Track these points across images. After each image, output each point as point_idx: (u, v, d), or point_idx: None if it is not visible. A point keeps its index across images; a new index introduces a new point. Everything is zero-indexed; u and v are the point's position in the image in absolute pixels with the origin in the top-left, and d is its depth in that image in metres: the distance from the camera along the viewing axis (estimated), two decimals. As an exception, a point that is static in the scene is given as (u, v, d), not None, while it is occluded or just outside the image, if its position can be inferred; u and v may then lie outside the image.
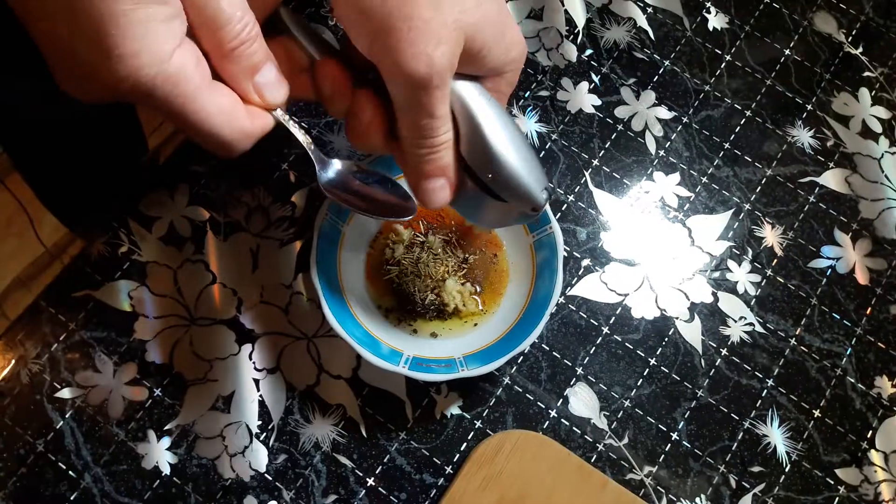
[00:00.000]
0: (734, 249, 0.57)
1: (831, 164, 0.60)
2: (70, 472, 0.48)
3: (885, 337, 0.56)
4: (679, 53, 0.62)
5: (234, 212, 0.54)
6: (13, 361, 0.50)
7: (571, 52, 0.62)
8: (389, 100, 0.38)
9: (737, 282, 0.56)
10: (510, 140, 0.39)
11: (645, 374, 0.54)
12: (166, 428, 0.50)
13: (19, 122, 0.51)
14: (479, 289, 0.53)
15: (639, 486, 0.51)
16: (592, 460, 0.51)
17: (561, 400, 0.53)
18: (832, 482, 0.52)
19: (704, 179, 0.59)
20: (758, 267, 0.57)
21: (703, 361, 0.54)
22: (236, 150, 0.36)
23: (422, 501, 0.50)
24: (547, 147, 0.58)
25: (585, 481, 0.50)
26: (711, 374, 0.54)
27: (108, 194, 0.57)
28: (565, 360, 0.53)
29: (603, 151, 0.59)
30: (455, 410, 0.52)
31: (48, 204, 0.59)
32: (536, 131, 0.59)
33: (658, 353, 0.54)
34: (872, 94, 0.63)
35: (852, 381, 0.55)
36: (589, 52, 0.62)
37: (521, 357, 0.53)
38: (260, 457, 0.50)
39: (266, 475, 0.49)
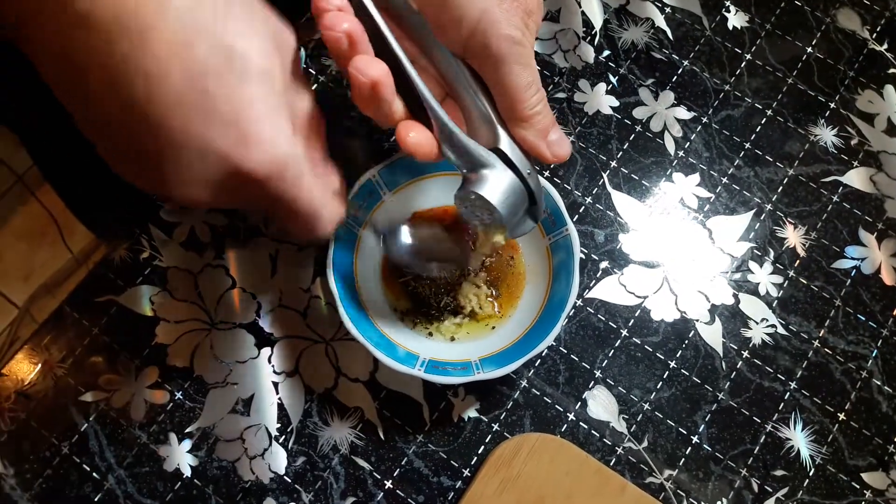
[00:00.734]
0: (755, 250, 0.57)
1: (855, 163, 0.59)
2: (94, 474, 0.49)
3: (913, 338, 0.55)
4: (698, 53, 0.62)
5: (253, 217, 0.55)
6: (39, 366, 0.51)
7: (589, 53, 0.61)
8: None
9: (758, 283, 0.56)
10: None
11: (665, 376, 0.53)
12: (187, 431, 0.50)
13: (47, 131, 0.52)
14: (495, 292, 0.53)
15: (658, 490, 0.51)
16: (611, 464, 0.51)
17: (579, 403, 0.52)
18: (858, 486, 0.51)
19: (725, 180, 0.58)
20: (780, 268, 0.56)
21: (724, 364, 0.54)
22: (328, 231, 0.39)
23: (439, 504, 0.50)
24: (564, 149, 0.58)
25: (604, 485, 0.49)
26: (733, 376, 0.53)
27: (132, 199, 0.58)
28: (583, 363, 0.53)
29: (621, 153, 0.59)
30: (472, 413, 0.52)
31: (75, 210, 0.60)
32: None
33: (678, 355, 0.54)
34: (898, 91, 0.62)
35: (878, 383, 0.54)
36: (606, 53, 0.61)
37: (539, 360, 0.53)
38: (279, 459, 0.50)
39: (285, 477, 0.50)
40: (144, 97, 0.30)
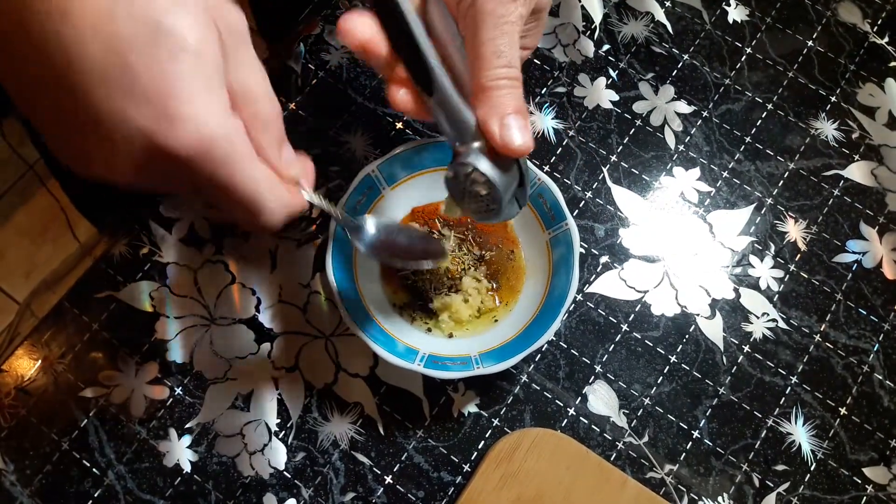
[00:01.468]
0: (756, 245, 0.56)
1: (856, 157, 0.59)
2: (94, 470, 0.49)
3: (914, 332, 0.55)
4: (698, 47, 0.62)
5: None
6: (39, 362, 0.51)
7: (588, 47, 0.61)
8: None
9: (759, 277, 0.55)
10: None
11: (665, 371, 0.53)
12: (187, 426, 0.50)
13: None
14: (495, 285, 0.53)
15: (659, 485, 0.50)
16: (612, 459, 0.51)
17: (579, 398, 0.52)
18: (859, 481, 0.51)
19: (725, 174, 0.58)
20: (781, 262, 0.56)
21: (724, 358, 0.53)
22: (273, 222, 0.36)
23: (440, 499, 0.50)
24: (564, 143, 0.58)
25: (605, 480, 0.49)
26: (733, 371, 0.53)
27: (132, 197, 0.58)
28: (584, 358, 0.53)
29: (621, 147, 0.58)
30: (472, 409, 0.52)
31: (78, 204, 0.61)
32: (553, 128, 0.58)
33: (678, 350, 0.53)
34: (899, 84, 0.61)
35: (880, 377, 0.53)
36: (606, 47, 0.61)
37: (539, 355, 0.53)
38: (279, 455, 0.50)
39: (285, 473, 0.50)
40: (65, 67, 0.29)
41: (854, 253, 0.57)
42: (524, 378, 0.52)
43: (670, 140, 0.59)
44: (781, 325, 0.54)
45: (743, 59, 0.61)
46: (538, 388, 0.52)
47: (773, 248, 0.56)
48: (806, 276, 0.56)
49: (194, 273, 0.53)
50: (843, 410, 0.53)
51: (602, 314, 0.54)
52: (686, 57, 0.61)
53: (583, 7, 0.62)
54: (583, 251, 0.55)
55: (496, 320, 0.52)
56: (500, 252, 0.53)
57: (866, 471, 0.51)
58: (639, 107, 0.60)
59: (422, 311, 0.52)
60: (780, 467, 0.51)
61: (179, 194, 0.51)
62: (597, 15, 0.62)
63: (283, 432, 0.50)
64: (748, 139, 0.59)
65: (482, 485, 0.49)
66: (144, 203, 0.55)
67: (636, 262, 0.56)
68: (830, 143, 0.59)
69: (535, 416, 0.52)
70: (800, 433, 0.52)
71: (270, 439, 0.50)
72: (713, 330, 0.54)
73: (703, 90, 0.60)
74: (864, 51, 0.62)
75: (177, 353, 0.52)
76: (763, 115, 0.60)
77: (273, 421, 0.51)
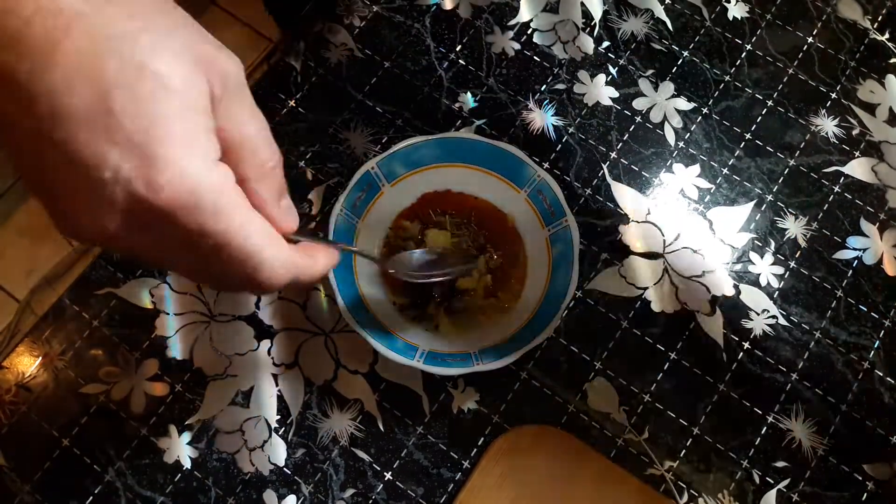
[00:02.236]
0: (756, 241, 0.56)
1: (857, 153, 0.59)
2: (94, 466, 0.49)
3: (915, 329, 0.55)
4: (698, 44, 0.62)
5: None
6: (39, 358, 0.51)
7: (588, 44, 0.61)
8: None
9: (759, 274, 0.55)
10: None
11: (665, 368, 0.53)
12: (187, 423, 0.50)
13: None
14: (490, 278, 0.52)
15: (659, 482, 0.50)
16: (612, 455, 0.51)
17: (579, 394, 0.52)
18: (860, 478, 0.51)
19: (725, 171, 0.58)
20: (781, 259, 0.56)
21: (724, 355, 0.53)
22: (275, 279, 0.33)
23: (439, 496, 0.50)
24: (564, 140, 0.58)
25: (604, 476, 0.49)
26: (733, 367, 0.53)
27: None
28: (584, 355, 0.53)
29: (621, 144, 0.58)
30: (472, 405, 0.52)
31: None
32: (553, 125, 0.58)
33: (678, 346, 0.53)
34: (900, 81, 0.61)
35: (880, 374, 0.53)
36: (606, 44, 0.61)
37: (539, 352, 0.53)
38: (279, 451, 0.50)
39: (285, 469, 0.50)
40: (49, 116, 0.28)
41: (854, 249, 0.56)
42: (524, 375, 0.52)
43: (670, 137, 0.59)
44: (782, 321, 0.54)
45: (743, 56, 0.61)
46: (538, 384, 0.52)
47: (773, 244, 0.56)
48: (806, 272, 0.56)
49: (194, 270, 0.53)
50: (843, 407, 0.53)
51: (602, 311, 0.54)
52: (686, 54, 0.61)
53: (582, 4, 0.62)
54: (582, 248, 0.55)
55: (507, 306, 0.51)
56: (506, 250, 0.53)
57: (867, 467, 0.51)
58: (639, 103, 0.60)
59: (422, 306, 0.52)
60: (780, 464, 0.51)
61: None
62: (596, 12, 0.62)
63: (283, 429, 0.50)
64: (748, 136, 0.59)
65: (482, 481, 0.49)
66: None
67: (636, 258, 0.56)
68: (831, 140, 0.59)
69: (534, 412, 0.52)
70: (800, 430, 0.52)
71: (270, 436, 0.50)
72: (713, 327, 0.54)
73: (702, 87, 0.60)
74: (865, 47, 0.62)
75: (177, 350, 0.52)
76: (763, 112, 0.60)
77: (273, 417, 0.51)
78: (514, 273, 0.53)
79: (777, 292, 0.55)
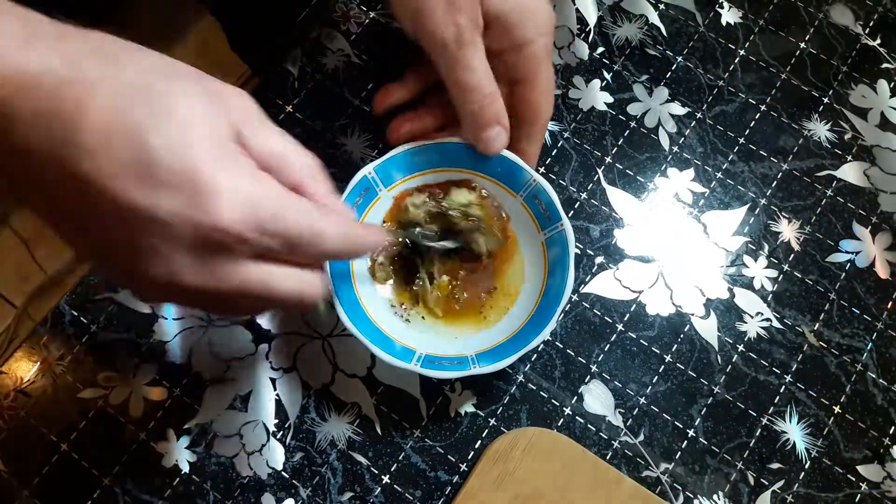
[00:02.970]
0: (750, 245, 0.57)
1: (849, 158, 0.60)
2: (93, 471, 0.49)
3: (907, 331, 0.55)
4: (692, 49, 0.62)
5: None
6: (38, 363, 0.52)
7: (583, 50, 0.62)
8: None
9: (753, 277, 0.56)
10: None
11: (660, 370, 0.53)
12: (185, 427, 0.51)
13: None
14: (495, 288, 0.53)
15: (655, 484, 0.51)
16: (608, 458, 0.51)
17: (575, 397, 0.53)
18: (853, 479, 0.51)
19: (719, 175, 0.59)
20: (774, 262, 0.56)
21: (719, 358, 0.54)
22: (337, 245, 0.36)
23: (437, 499, 0.50)
24: (559, 145, 0.59)
25: (601, 478, 0.49)
26: (728, 370, 0.54)
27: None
28: (579, 358, 0.53)
29: (616, 149, 0.59)
30: (469, 408, 0.52)
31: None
32: (549, 130, 0.59)
33: (673, 349, 0.54)
34: (891, 85, 0.62)
35: (873, 376, 0.54)
36: (601, 49, 0.62)
37: (535, 355, 0.53)
38: (277, 455, 0.50)
39: (283, 473, 0.50)
40: (93, 174, 0.29)
41: (847, 253, 0.57)
42: (520, 378, 0.53)
43: (664, 141, 0.59)
44: (775, 324, 0.55)
45: (736, 61, 0.62)
46: (534, 387, 0.53)
47: (766, 248, 0.57)
48: (799, 275, 0.56)
49: (192, 275, 0.54)
50: (836, 409, 0.53)
51: (597, 314, 0.54)
52: (680, 59, 0.62)
53: (577, 10, 0.63)
54: (578, 252, 0.55)
55: (510, 305, 0.52)
56: (501, 253, 0.53)
57: (860, 468, 0.52)
58: (633, 108, 0.60)
59: (417, 306, 0.52)
60: (774, 465, 0.52)
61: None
62: (591, 18, 0.63)
63: (281, 433, 0.51)
64: (742, 140, 0.60)
65: (479, 484, 0.49)
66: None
67: (631, 262, 0.56)
68: (823, 144, 0.60)
69: (531, 415, 0.52)
70: (794, 431, 0.52)
71: (268, 440, 0.51)
72: (708, 329, 0.54)
73: (696, 92, 0.61)
74: (856, 53, 0.63)
75: (175, 355, 0.52)
76: (756, 117, 0.60)
77: (271, 421, 0.51)
78: (512, 279, 0.53)
79: (771, 295, 0.56)
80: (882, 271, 0.57)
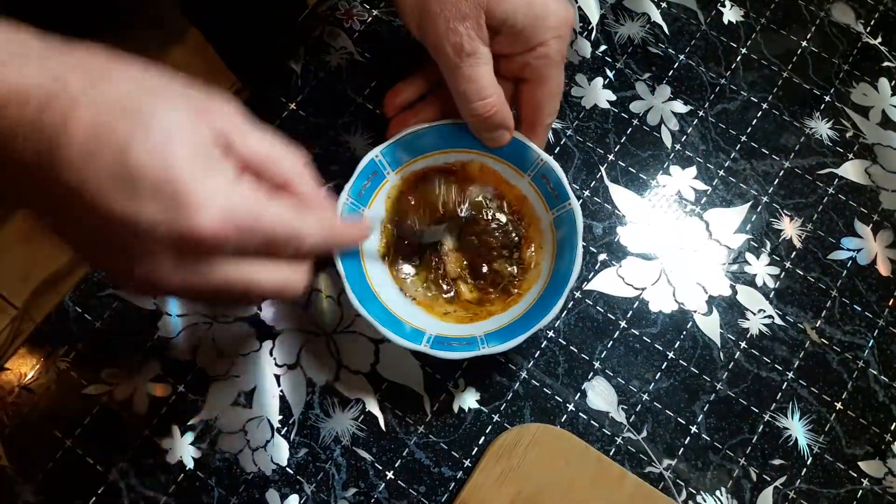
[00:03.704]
0: (752, 242, 0.57)
1: (851, 156, 0.60)
2: (97, 467, 0.49)
3: (908, 328, 0.55)
4: (694, 48, 0.62)
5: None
6: (42, 360, 0.52)
7: (585, 48, 0.62)
8: None
9: (755, 274, 0.56)
10: None
11: (663, 367, 0.54)
12: (190, 423, 0.51)
13: None
14: (516, 269, 0.53)
15: (658, 479, 0.51)
16: (611, 454, 0.51)
17: (578, 394, 0.53)
18: (855, 475, 0.52)
19: (721, 173, 0.59)
20: (776, 259, 0.57)
21: (721, 354, 0.54)
22: (316, 240, 0.37)
23: (441, 494, 0.50)
24: (562, 143, 0.59)
25: (604, 474, 0.50)
26: (730, 366, 0.54)
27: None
28: (583, 355, 0.54)
29: (618, 146, 0.59)
30: (473, 405, 0.52)
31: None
32: (552, 127, 0.59)
33: (676, 346, 0.54)
34: (893, 84, 0.62)
35: (875, 372, 0.54)
36: (603, 47, 0.62)
37: (539, 351, 0.53)
38: (281, 451, 0.50)
39: (287, 469, 0.50)
40: (77, 183, 0.30)
41: (849, 250, 0.57)
42: (524, 374, 0.53)
43: (667, 139, 0.60)
44: (777, 321, 0.55)
45: (738, 60, 0.62)
46: (538, 384, 0.53)
47: (768, 245, 0.57)
48: (801, 273, 0.56)
49: (196, 271, 0.54)
50: (838, 405, 0.53)
51: (600, 311, 0.55)
52: (682, 57, 0.62)
53: (580, 8, 0.63)
54: (582, 248, 0.55)
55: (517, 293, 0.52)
56: (533, 227, 0.53)
57: (862, 464, 0.52)
58: (636, 106, 0.60)
59: (430, 290, 0.53)
60: (776, 461, 0.52)
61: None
62: (594, 16, 0.63)
63: (286, 429, 0.51)
64: (744, 138, 0.60)
65: (483, 479, 0.49)
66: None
67: (634, 259, 0.56)
68: (825, 142, 0.60)
69: (534, 411, 0.52)
70: (796, 428, 0.53)
71: (273, 436, 0.51)
72: (710, 326, 0.55)
73: (699, 90, 0.61)
74: (858, 51, 0.63)
75: (179, 351, 0.52)
76: (758, 115, 0.61)
77: (275, 417, 0.51)
78: (529, 267, 0.53)
79: (773, 292, 0.56)
80: (883, 269, 0.57)
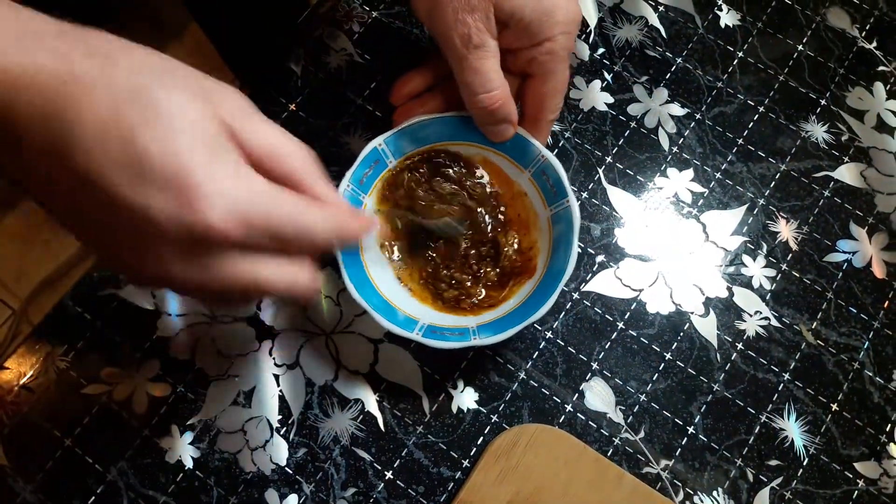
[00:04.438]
0: (749, 244, 0.57)
1: (846, 159, 0.60)
2: (96, 466, 0.50)
3: (903, 330, 0.56)
4: (691, 51, 0.63)
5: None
6: (41, 359, 0.52)
7: (584, 51, 0.62)
8: None
9: (752, 276, 0.56)
10: None
11: (660, 368, 0.54)
12: (189, 423, 0.51)
13: None
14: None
15: (655, 480, 0.51)
16: (609, 454, 0.52)
17: (576, 394, 0.53)
18: (851, 476, 0.52)
19: (718, 175, 0.59)
20: (773, 261, 0.57)
21: (718, 356, 0.54)
22: (326, 236, 0.36)
23: (439, 494, 0.50)
24: (560, 145, 0.59)
25: (602, 475, 0.50)
26: (727, 368, 0.54)
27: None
28: (580, 355, 0.54)
29: (616, 149, 0.59)
30: (471, 405, 0.52)
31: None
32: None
33: (673, 347, 0.54)
34: (887, 88, 0.63)
35: (870, 374, 0.55)
36: (601, 50, 0.62)
37: (537, 352, 0.54)
38: (280, 451, 0.51)
39: (286, 469, 0.50)
40: (86, 168, 0.30)
41: (844, 253, 0.58)
42: (522, 375, 0.53)
43: (664, 142, 0.60)
44: (774, 322, 0.55)
45: (735, 63, 0.63)
46: (536, 384, 0.53)
47: (765, 247, 0.57)
48: (797, 275, 0.57)
49: (196, 272, 0.54)
50: (834, 406, 0.54)
51: (598, 312, 0.55)
52: (679, 60, 0.62)
53: (578, 11, 0.63)
54: (579, 250, 0.56)
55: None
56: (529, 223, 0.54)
57: (857, 465, 0.52)
58: (633, 109, 0.61)
59: (429, 279, 0.53)
60: (773, 462, 0.52)
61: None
62: (592, 19, 0.63)
63: (285, 429, 0.51)
64: (740, 141, 0.60)
65: (481, 480, 0.49)
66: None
67: (631, 261, 0.57)
68: (820, 146, 0.61)
69: (532, 412, 0.52)
70: (792, 429, 0.53)
71: (272, 435, 0.51)
72: (707, 328, 0.55)
73: (696, 93, 0.61)
74: (853, 55, 0.64)
75: (179, 351, 0.52)
76: (755, 118, 0.61)
77: (274, 417, 0.51)
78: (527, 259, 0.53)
79: (769, 294, 0.56)
80: (878, 271, 0.57)
